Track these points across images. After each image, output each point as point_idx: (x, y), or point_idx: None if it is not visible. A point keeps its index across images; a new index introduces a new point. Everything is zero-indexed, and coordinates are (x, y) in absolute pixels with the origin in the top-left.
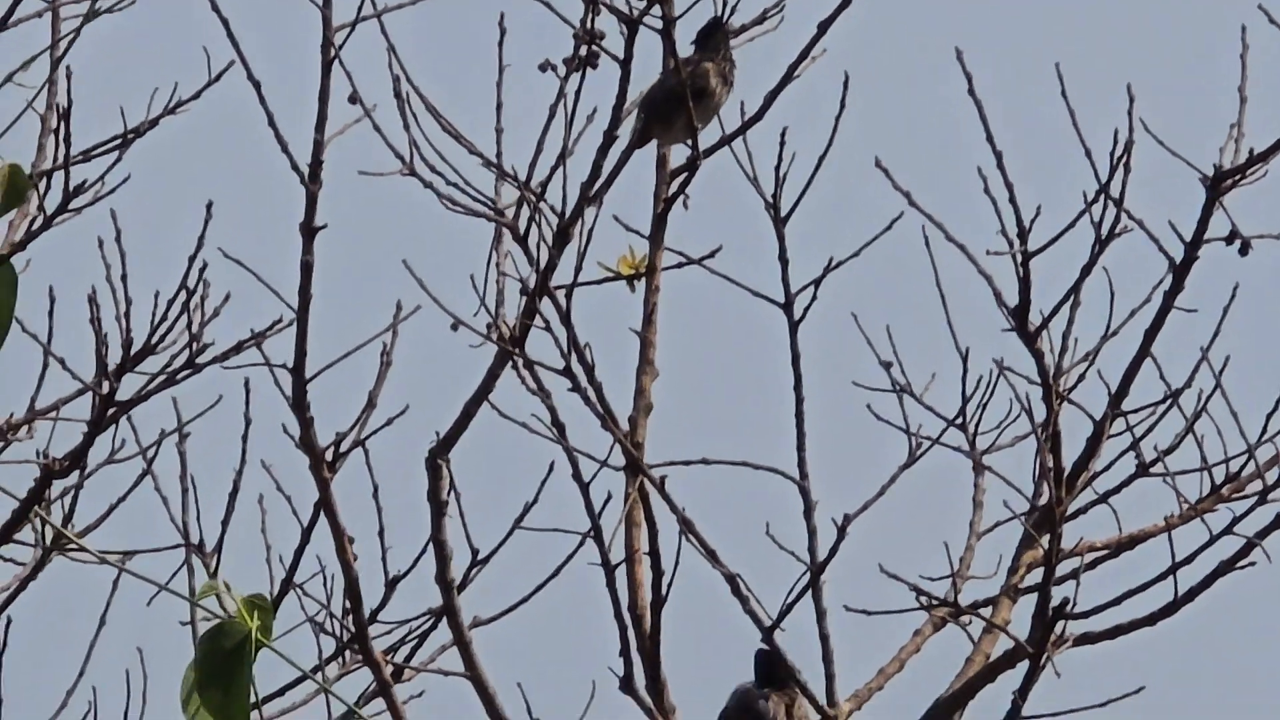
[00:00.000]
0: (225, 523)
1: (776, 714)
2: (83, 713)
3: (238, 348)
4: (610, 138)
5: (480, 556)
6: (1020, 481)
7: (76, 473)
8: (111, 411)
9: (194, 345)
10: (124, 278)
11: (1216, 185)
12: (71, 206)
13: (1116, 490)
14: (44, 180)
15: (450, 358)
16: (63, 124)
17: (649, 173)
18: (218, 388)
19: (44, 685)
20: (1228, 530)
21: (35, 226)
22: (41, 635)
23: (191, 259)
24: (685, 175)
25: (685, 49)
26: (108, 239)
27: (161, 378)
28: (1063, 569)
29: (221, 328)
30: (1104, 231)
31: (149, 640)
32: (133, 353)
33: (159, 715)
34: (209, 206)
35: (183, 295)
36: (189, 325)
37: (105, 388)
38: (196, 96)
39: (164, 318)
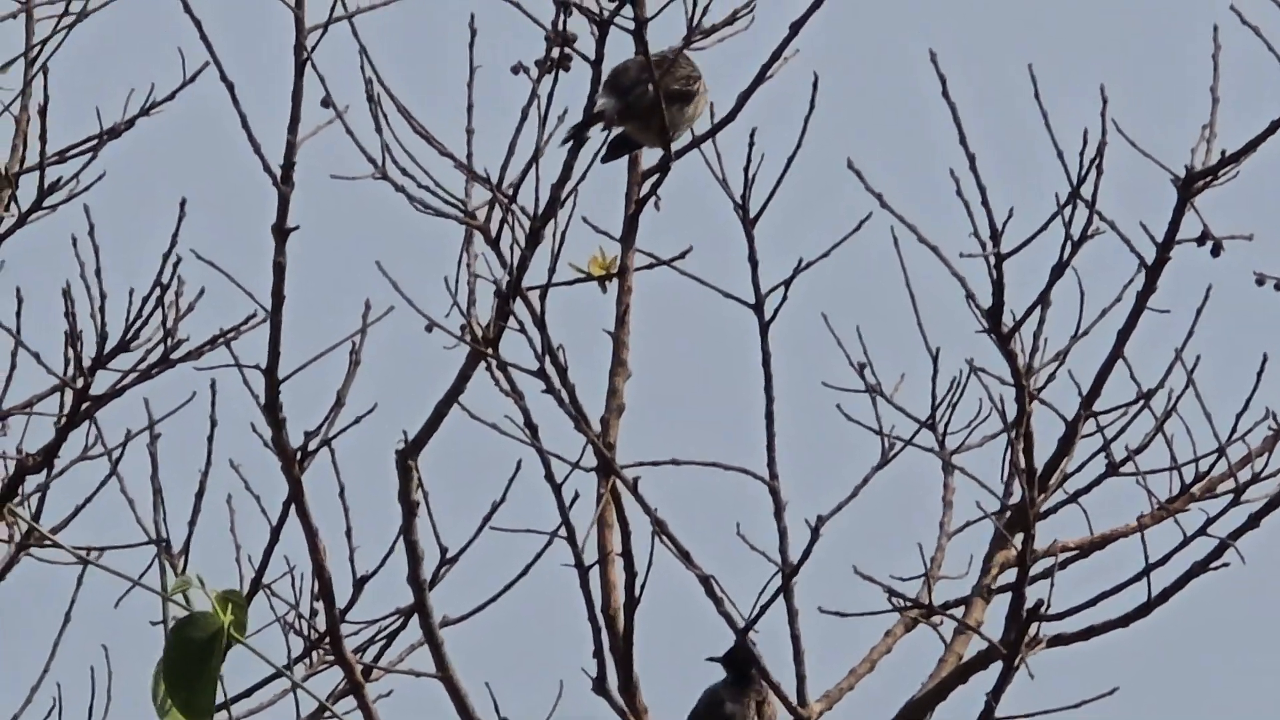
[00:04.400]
0: (192, 523)
1: (744, 715)
2: (47, 709)
3: (212, 342)
4: (582, 139)
5: (449, 556)
6: (991, 482)
7: (48, 469)
8: (85, 407)
9: (169, 341)
10: (98, 273)
11: (1188, 186)
12: (46, 204)
13: (1087, 490)
14: (19, 179)
15: (424, 359)
16: (39, 124)
17: (621, 174)
18: (191, 385)
19: (7, 682)
20: (1201, 531)
21: (10, 225)
22: (4, 632)
23: (166, 256)
24: (657, 176)
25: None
26: (82, 236)
27: (135, 374)
28: (1036, 569)
29: (195, 326)
30: (1076, 233)
31: (115, 638)
32: (107, 348)
33: (124, 713)
34: (183, 204)
35: (157, 291)
36: (164, 321)
37: (79, 383)
38: (171, 98)
39: (139, 314)
